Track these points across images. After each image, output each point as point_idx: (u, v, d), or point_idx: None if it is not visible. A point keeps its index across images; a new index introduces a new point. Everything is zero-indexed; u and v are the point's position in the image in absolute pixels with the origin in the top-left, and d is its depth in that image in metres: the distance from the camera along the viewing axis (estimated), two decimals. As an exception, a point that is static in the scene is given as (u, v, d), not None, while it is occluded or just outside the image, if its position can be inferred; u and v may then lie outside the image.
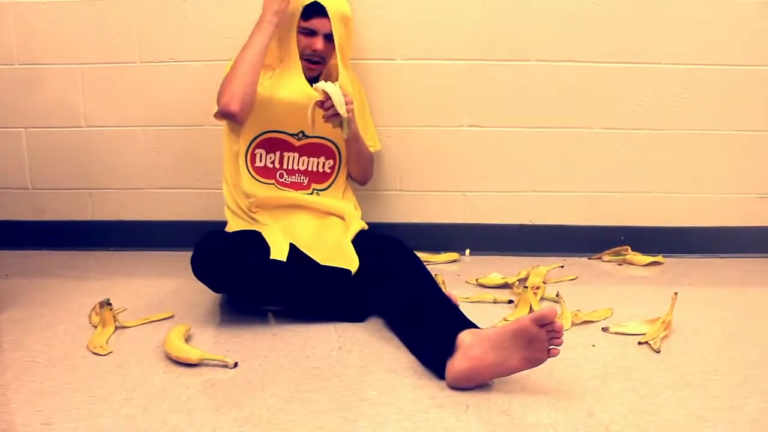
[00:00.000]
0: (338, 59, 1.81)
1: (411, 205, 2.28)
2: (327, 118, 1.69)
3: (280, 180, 1.86)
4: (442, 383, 1.32)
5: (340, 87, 1.66)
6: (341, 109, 1.65)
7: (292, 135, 1.85)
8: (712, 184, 2.25)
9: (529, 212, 2.28)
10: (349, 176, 1.96)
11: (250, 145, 1.83)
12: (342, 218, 1.86)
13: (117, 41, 2.18)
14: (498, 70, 2.16)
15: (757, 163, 2.23)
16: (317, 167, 1.89)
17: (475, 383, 1.29)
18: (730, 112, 2.19)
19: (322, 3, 1.74)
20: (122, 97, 2.23)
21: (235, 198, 1.87)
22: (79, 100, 2.24)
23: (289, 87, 1.78)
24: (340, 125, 1.69)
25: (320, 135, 1.85)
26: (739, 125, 2.20)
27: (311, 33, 1.78)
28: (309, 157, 1.88)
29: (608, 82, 2.17)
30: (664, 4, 2.11)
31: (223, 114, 1.73)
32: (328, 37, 1.79)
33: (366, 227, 1.86)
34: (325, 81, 1.69)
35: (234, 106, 1.69)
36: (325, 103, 1.66)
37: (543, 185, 2.25)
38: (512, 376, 1.29)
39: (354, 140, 1.84)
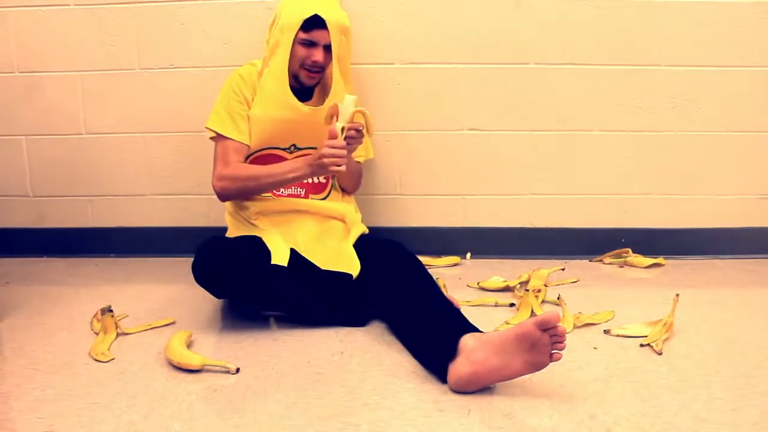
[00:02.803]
0: (336, 70, 1.82)
1: (411, 209, 2.28)
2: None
3: (277, 193, 1.86)
4: (445, 387, 1.32)
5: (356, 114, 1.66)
6: (341, 120, 1.63)
7: (284, 149, 1.85)
8: (712, 185, 2.25)
9: (530, 215, 2.28)
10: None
11: (245, 162, 1.84)
12: (342, 221, 1.87)
13: (116, 48, 2.19)
14: (497, 73, 2.16)
15: (757, 163, 2.23)
16: (312, 179, 1.89)
17: (478, 387, 1.29)
18: (730, 113, 2.19)
19: (322, 15, 1.74)
20: (122, 104, 2.23)
21: (235, 204, 1.87)
22: (79, 107, 2.24)
23: (275, 100, 1.79)
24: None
25: (312, 146, 1.85)
26: (738, 126, 2.20)
27: (311, 44, 1.78)
28: None
29: (607, 85, 2.17)
30: (663, 6, 2.11)
31: (215, 191, 1.79)
32: (327, 48, 1.79)
33: (367, 231, 1.86)
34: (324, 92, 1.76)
35: (222, 198, 1.82)
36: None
37: (543, 188, 2.25)
38: (514, 379, 1.29)
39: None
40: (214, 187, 1.78)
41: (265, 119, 1.79)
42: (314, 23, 1.75)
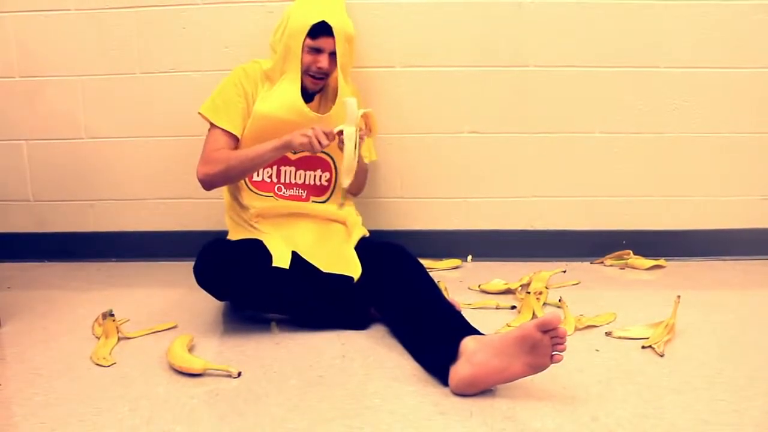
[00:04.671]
0: (339, 76, 1.82)
1: (412, 211, 2.28)
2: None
3: (279, 193, 1.87)
4: (446, 390, 1.32)
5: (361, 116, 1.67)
6: (350, 124, 1.64)
7: None
8: (713, 186, 2.25)
9: (531, 217, 2.28)
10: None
11: None
12: (344, 224, 1.87)
13: (117, 52, 2.19)
14: (497, 76, 2.17)
15: (759, 164, 2.23)
16: (314, 180, 1.90)
17: (479, 389, 1.29)
18: (731, 114, 2.19)
19: (329, 23, 1.75)
20: (123, 108, 2.23)
21: (235, 207, 1.87)
22: (80, 111, 2.25)
23: (285, 103, 1.79)
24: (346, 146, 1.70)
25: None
26: (740, 127, 2.20)
27: (317, 51, 1.78)
28: (306, 171, 1.89)
29: (608, 87, 2.17)
30: (663, 7, 2.11)
31: (198, 178, 1.76)
32: (332, 55, 1.79)
33: (367, 234, 1.86)
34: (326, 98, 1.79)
35: (207, 186, 1.77)
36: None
37: (544, 190, 2.26)
38: (516, 381, 1.29)
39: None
40: (197, 174, 1.75)
41: (270, 118, 1.78)
42: (321, 30, 1.75)
